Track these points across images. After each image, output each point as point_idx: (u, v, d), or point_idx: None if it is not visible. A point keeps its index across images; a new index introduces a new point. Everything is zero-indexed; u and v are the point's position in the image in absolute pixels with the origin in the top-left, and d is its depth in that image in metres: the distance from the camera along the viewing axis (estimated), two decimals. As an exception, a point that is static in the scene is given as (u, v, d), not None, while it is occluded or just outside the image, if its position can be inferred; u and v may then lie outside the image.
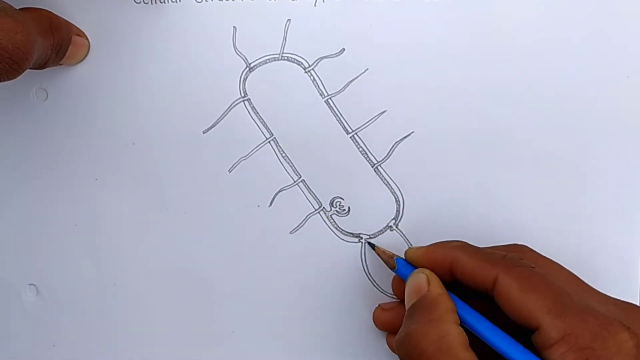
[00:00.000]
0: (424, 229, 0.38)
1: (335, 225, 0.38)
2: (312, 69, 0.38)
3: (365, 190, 0.38)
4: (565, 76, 0.37)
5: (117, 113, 0.39)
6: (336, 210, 0.38)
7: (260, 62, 0.38)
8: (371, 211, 0.38)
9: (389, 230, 0.38)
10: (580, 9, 0.37)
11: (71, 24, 0.37)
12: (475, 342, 0.30)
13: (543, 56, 0.37)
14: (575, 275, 0.33)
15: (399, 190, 0.38)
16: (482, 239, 0.37)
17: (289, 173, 0.38)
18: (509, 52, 0.37)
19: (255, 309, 0.39)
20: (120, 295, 0.40)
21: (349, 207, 0.38)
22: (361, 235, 0.38)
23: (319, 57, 0.38)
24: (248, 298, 0.39)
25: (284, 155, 0.38)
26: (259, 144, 0.38)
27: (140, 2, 0.38)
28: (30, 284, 0.40)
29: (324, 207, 0.38)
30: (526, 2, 0.37)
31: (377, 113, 0.38)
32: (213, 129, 0.38)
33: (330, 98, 0.38)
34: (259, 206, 0.39)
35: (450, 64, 0.37)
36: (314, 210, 0.38)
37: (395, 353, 0.37)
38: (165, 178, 0.39)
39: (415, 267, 0.34)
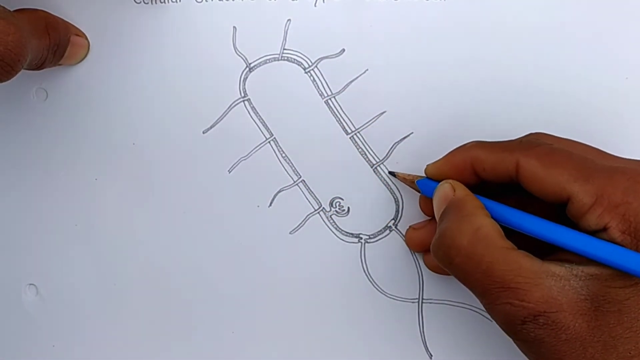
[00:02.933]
0: (423, 229, 0.38)
1: (335, 226, 0.38)
2: (312, 69, 0.38)
3: (365, 190, 0.38)
4: (565, 77, 0.37)
5: (117, 113, 0.39)
6: (336, 211, 0.38)
7: (260, 62, 0.38)
8: (371, 211, 0.38)
9: (388, 230, 0.38)
10: (580, 9, 0.37)
11: (70, 24, 0.37)
12: (509, 237, 0.30)
13: (542, 57, 0.37)
14: (592, 146, 0.32)
15: (399, 190, 0.38)
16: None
17: (288, 173, 0.38)
18: (508, 52, 0.37)
19: (255, 309, 0.39)
20: (120, 295, 0.40)
21: (348, 207, 0.38)
22: (361, 236, 0.38)
23: (319, 57, 0.38)
24: (248, 298, 0.39)
25: (283, 155, 0.38)
26: (259, 144, 0.38)
27: (140, 2, 0.38)
28: (30, 284, 0.40)
29: (323, 207, 0.38)
30: (526, 3, 0.37)
31: (377, 113, 0.38)
32: (213, 129, 0.38)
33: (330, 98, 0.38)
34: (258, 206, 0.39)
35: (450, 64, 0.37)
36: (313, 210, 0.39)
37: (433, 271, 0.37)
38: (165, 178, 0.39)
39: (438, 181, 0.34)
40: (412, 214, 0.38)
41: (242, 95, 0.38)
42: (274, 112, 0.38)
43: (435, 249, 0.31)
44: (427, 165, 0.35)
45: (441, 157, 0.34)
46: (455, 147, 0.34)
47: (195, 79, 0.38)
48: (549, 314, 0.27)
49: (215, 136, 0.39)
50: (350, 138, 0.38)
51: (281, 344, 0.39)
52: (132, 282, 0.40)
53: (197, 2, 0.38)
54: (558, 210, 0.30)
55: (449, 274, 0.32)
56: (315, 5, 0.37)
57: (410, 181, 0.36)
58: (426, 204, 0.36)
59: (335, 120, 0.38)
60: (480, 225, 0.29)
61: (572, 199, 0.29)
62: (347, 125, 0.38)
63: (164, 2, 0.38)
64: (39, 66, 0.35)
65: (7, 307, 0.40)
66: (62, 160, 0.39)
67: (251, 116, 0.38)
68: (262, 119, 0.38)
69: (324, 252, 0.38)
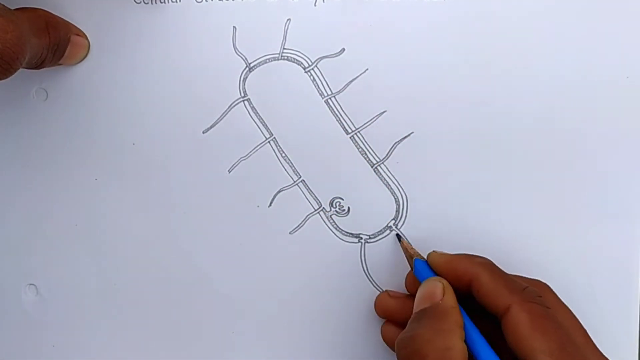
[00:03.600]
0: (424, 229, 0.38)
1: (335, 226, 0.38)
2: (312, 68, 0.38)
3: (365, 190, 0.38)
4: (565, 76, 0.37)
5: (117, 113, 0.39)
6: (336, 211, 0.38)
7: (260, 62, 0.38)
8: (371, 211, 0.38)
9: (388, 230, 0.38)
10: (580, 9, 0.37)
11: (70, 23, 0.37)
12: None
13: (543, 56, 0.37)
14: (582, 327, 0.33)
15: (399, 190, 0.38)
16: (481, 239, 0.38)
17: (288, 173, 0.38)
18: (508, 52, 0.37)
19: (255, 309, 0.39)
20: (120, 295, 0.40)
21: (348, 207, 0.38)
22: (361, 236, 0.38)
23: (319, 57, 0.38)
24: (248, 298, 0.39)
25: (283, 155, 0.38)
26: (259, 144, 0.38)
27: (140, 2, 0.38)
28: (30, 284, 0.40)
29: (323, 207, 0.38)
30: (526, 3, 0.37)
31: (377, 113, 0.38)
32: (213, 129, 0.38)
33: (330, 98, 0.38)
34: (258, 206, 0.39)
35: (450, 64, 0.37)
36: (313, 210, 0.38)
37: (388, 344, 0.37)
38: (165, 178, 0.39)
39: (433, 272, 0.34)
40: (413, 214, 0.38)
41: (242, 95, 0.38)
42: (274, 112, 0.38)
43: (402, 345, 0.31)
44: (432, 252, 0.35)
45: (448, 254, 0.34)
46: (466, 253, 0.34)
47: (195, 79, 0.38)
48: None
49: (215, 136, 0.38)
50: (350, 138, 0.38)
51: (281, 344, 0.39)
52: (132, 282, 0.40)
53: (197, 2, 0.38)
54: None
55: None
56: (315, 5, 0.37)
57: (410, 255, 0.36)
58: (412, 282, 0.36)
59: (335, 120, 0.38)
60: (452, 346, 0.29)
61: None
62: (347, 125, 0.38)
63: (164, 2, 0.38)
64: (38, 65, 0.35)
65: (7, 307, 0.40)
66: (62, 160, 0.39)
67: (251, 116, 0.38)
68: (262, 118, 0.38)
69: (324, 252, 0.38)
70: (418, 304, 0.33)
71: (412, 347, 0.30)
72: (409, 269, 0.36)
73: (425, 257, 0.35)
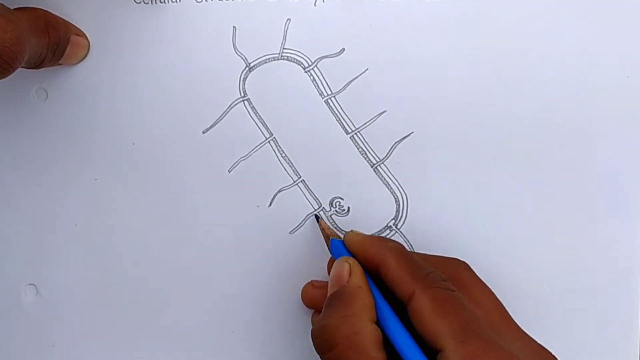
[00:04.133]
0: (424, 229, 0.38)
1: (335, 226, 0.38)
2: (312, 68, 0.38)
3: (365, 190, 0.38)
4: (566, 76, 0.37)
5: (117, 113, 0.39)
6: (336, 210, 0.38)
7: (260, 62, 0.38)
8: (371, 211, 0.38)
9: (388, 230, 0.38)
10: (580, 9, 0.37)
11: (70, 23, 0.37)
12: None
13: (543, 56, 0.37)
14: (502, 306, 0.33)
15: (399, 190, 0.38)
16: (481, 239, 0.38)
17: (288, 173, 0.38)
18: (508, 52, 0.37)
19: (255, 309, 0.39)
20: (120, 295, 0.40)
21: (348, 207, 0.38)
22: (361, 236, 0.38)
23: (319, 56, 0.38)
24: (248, 298, 0.39)
25: (283, 155, 0.38)
26: (259, 144, 0.38)
27: (140, 2, 0.38)
28: (30, 284, 0.40)
29: (323, 207, 0.38)
30: (525, 3, 0.37)
31: (377, 113, 0.38)
32: (213, 128, 0.38)
33: (330, 98, 0.38)
34: (258, 206, 0.39)
35: (450, 64, 0.37)
36: (313, 210, 0.38)
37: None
38: (165, 178, 0.39)
39: (348, 252, 0.34)
40: (413, 214, 0.38)
41: (242, 95, 0.38)
42: (274, 112, 0.38)
43: (314, 335, 0.31)
44: (348, 232, 0.35)
45: (364, 234, 0.34)
46: (379, 236, 0.34)
47: (195, 78, 0.38)
48: None
49: (215, 136, 0.38)
50: (350, 138, 0.38)
51: (281, 344, 0.39)
52: (132, 282, 0.40)
53: (197, 2, 0.38)
54: None
55: None
56: (315, 5, 0.37)
57: (327, 235, 0.36)
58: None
59: (335, 119, 0.38)
60: (360, 330, 0.29)
61: (443, 353, 0.29)
62: (347, 124, 0.38)
63: (164, 2, 0.38)
64: (38, 65, 0.35)
65: (7, 307, 0.40)
66: (62, 160, 0.39)
67: (251, 116, 0.38)
68: (262, 118, 0.38)
69: (323, 252, 0.38)
70: (330, 288, 0.33)
71: (322, 337, 0.30)
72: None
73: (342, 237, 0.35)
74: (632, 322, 0.38)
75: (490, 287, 0.33)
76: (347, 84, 0.38)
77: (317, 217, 0.38)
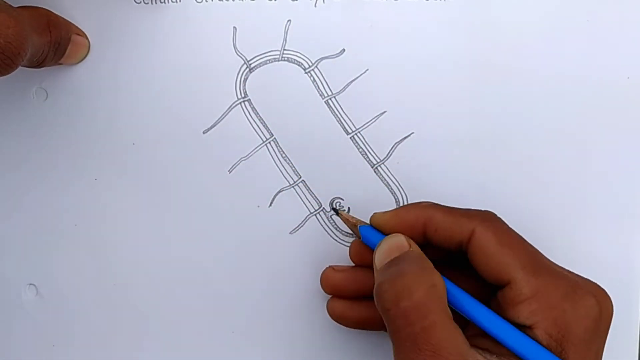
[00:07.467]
0: (424, 229, 0.38)
1: (335, 226, 0.38)
2: (312, 69, 0.38)
3: (365, 190, 0.38)
4: (566, 76, 0.37)
5: (117, 113, 0.39)
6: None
7: (261, 63, 0.38)
8: (371, 211, 0.38)
9: (388, 230, 0.38)
10: (580, 9, 0.37)
11: (71, 23, 0.37)
12: None
13: (543, 57, 0.37)
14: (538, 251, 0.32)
15: (399, 190, 0.38)
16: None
17: (288, 173, 0.38)
18: (508, 52, 0.37)
19: (255, 309, 0.39)
20: (120, 295, 0.40)
21: (348, 208, 0.38)
22: (361, 236, 0.38)
23: (319, 57, 0.38)
24: (248, 298, 0.39)
25: (283, 155, 0.38)
26: (259, 145, 0.38)
27: (140, 2, 0.38)
28: (30, 284, 0.40)
29: (323, 208, 0.38)
30: (526, 3, 0.37)
31: (377, 113, 0.38)
32: (213, 129, 0.38)
33: (330, 98, 0.38)
34: (258, 206, 0.39)
35: (450, 65, 0.37)
36: (313, 210, 0.38)
37: (336, 320, 0.36)
38: (165, 178, 0.39)
39: (383, 234, 0.33)
40: (412, 214, 0.38)
41: (242, 95, 0.38)
42: (274, 113, 0.38)
43: (384, 289, 0.29)
44: (375, 214, 0.34)
45: (390, 209, 0.34)
46: (408, 204, 0.33)
47: (195, 79, 0.38)
48: None
49: (215, 136, 0.38)
50: (350, 138, 0.38)
51: (281, 344, 0.39)
52: (132, 282, 0.40)
53: (197, 2, 0.38)
54: (489, 290, 0.30)
55: (350, 327, 0.34)
56: (315, 6, 0.37)
57: (353, 224, 0.35)
58: (358, 251, 0.35)
59: (335, 120, 0.38)
60: (438, 283, 0.29)
61: (512, 284, 0.29)
62: (348, 125, 0.38)
63: (164, 2, 0.38)
64: (39, 63, 0.35)
65: (7, 307, 0.40)
66: (62, 160, 0.39)
67: (251, 116, 0.38)
68: (262, 119, 0.38)
69: (324, 252, 0.38)
70: (385, 258, 0.31)
71: (398, 286, 0.29)
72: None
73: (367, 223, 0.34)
74: (631, 322, 0.38)
75: None
76: (348, 85, 0.38)
77: (335, 210, 0.38)
